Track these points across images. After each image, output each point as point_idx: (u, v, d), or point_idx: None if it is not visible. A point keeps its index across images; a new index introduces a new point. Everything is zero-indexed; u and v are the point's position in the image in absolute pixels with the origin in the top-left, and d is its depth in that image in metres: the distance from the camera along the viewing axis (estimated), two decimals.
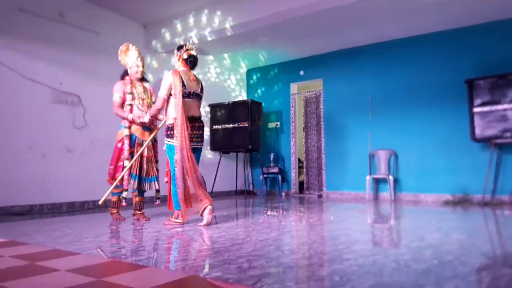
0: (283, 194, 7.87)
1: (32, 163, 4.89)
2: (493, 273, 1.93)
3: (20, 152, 4.80)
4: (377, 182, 6.83)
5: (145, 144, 3.94)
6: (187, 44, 3.79)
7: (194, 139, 3.64)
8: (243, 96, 8.65)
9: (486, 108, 5.48)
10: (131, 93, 3.97)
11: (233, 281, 1.73)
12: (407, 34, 6.58)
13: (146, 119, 3.80)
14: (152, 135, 3.97)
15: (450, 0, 5.25)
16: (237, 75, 8.57)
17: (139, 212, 4.09)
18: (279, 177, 7.83)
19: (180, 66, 3.75)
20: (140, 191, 4.06)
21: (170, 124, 3.60)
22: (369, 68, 7.06)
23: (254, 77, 8.64)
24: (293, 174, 7.99)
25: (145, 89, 4.11)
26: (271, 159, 8.02)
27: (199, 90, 3.77)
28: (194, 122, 3.65)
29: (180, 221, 3.57)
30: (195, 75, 3.79)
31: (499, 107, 5.39)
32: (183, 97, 3.55)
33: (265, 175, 7.89)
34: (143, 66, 4.09)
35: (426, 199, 6.32)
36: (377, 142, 6.86)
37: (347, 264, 2.02)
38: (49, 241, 2.83)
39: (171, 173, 3.61)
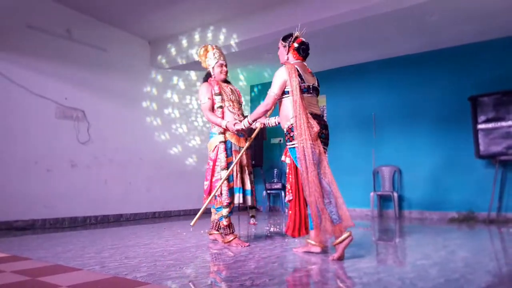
0: (286, 210, 7.80)
1: (36, 177, 4.90)
2: None
3: (25, 166, 4.82)
4: (382, 199, 6.78)
5: (242, 150, 3.45)
6: (294, 32, 3.22)
7: (322, 139, 3.08)
8: (247, 111, 8.68)
9: (490, 125, 5.46)
10: (220, 94, 3.51)
11: None
12: (410, 51, 6.62)
13: (245, 124, 3.27)
14: (248, 143, 3.51)
15: (453, 17, 5.30)
16: (242, 91, 8.60)
17: (216, 233, 3.57)
18: (282, 193, 7.79)
19: (291, 59, 3.19)
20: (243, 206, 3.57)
21: (291, 125, 3.03)
22: (372, 85, 7.08)
23: (258, 92, 8.68)
24: None
25: (232, 90, 3.66)
26: (274, 174, 8.00)
27: (316, 84, 3.24)
28: (318, 119, 3.06)
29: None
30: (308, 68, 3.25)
31: (503, 123, 5.37)
32: (303, 92, 2.98)
33: (268, 191, 7.86)
34: (226, 66, 3.67)
35: (431, 216, 6.26)
36: (381, 158, 6.84)
37: (350, 282, 1.99)
38: (51, 256, 2.81)
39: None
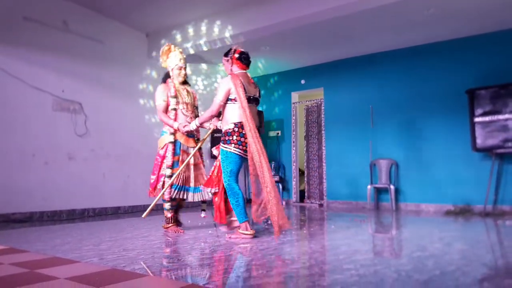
0: (284, 203, 7.84)
1: (34, 170, 4.89)
2: (495, 283, 1.92)
3: (22, 159, 4.81)
4: (378, 191, 6.81)
5: (192, 152, 3.68)
6: (233, 46, 3.50)
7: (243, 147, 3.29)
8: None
9: (487, 118, 5.48)
10: (176, 96, 3.71)
11: None
12: (408, 44, 6.62)
13: (193, 126, 3.52)
14: (199, 144, 3.74)
15: (449, 11, 5.29)
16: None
17: (170, 225, 3.77)
18: (280, 185, 7.82)
19: (236, 70, 3.41)
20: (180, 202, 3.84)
21: (229, 129, 3.28)
22: (370, 78, 7.08)
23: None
24: (294, 183, 7.98)
25: (188, 92, 3.85)
26: (272, 167, 8.02)
27: (258, 94, 3.48)
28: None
29: (250, 233, 3.23)
30: (251, 78, 3.49)
31: (500, 117, 5.39)
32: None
33: None
34: (185, 69, 3.84)
35: (427, 209, 6.30)
36: (378, 151, 6.86)
37: (347, 274, 2.01)
38: (49, 248, 2.82)
39: (225, 183, 3.30)
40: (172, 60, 3.83)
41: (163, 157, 3.69)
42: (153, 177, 3.69)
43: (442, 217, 5.25)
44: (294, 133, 8.08)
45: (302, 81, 7.94)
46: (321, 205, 7.39)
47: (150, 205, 3.62)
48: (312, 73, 7.81)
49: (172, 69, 3.83)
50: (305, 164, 8.05)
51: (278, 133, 8.21)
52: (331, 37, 6.34)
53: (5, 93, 4.74)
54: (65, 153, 5.27)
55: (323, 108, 7.68)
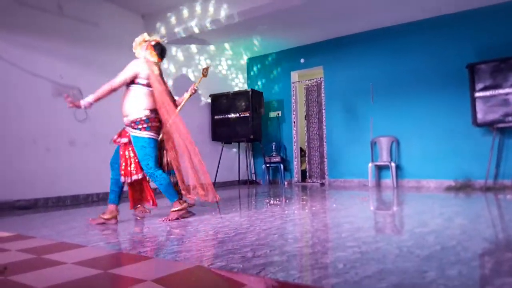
0: (286, 183, 7.89)
1: (35, 157, 4.90)
2: (496, 258, 1.95)
3: (23, 146, 4.82)
4: (379, 169, 6.84)
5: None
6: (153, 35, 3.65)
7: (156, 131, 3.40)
8: (243, 85, 8.63)
9: (488, 93, 5.45)
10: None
11: (238, 271, 1.75)
12: (407, 19, 6.53)
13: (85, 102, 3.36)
14: (179, 108, 3.79)
15: None
16: (237, 65, 8.53)
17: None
18: (281, 166, 7.85)
19: (149, 56, 3.47)
20: None
21: (144, 116, 3.29)
22: (370, 55, 7.02)
23: (254, 67, 8.60)
24: (295, 163, 8.01)
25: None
26: (273, 148, 8.03)
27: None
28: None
29: (183, 206, 3.39)
30: (161, 71, 3.55)
31: (501, 91, 5.37)
32: (148, 86, 3.33)
33: (267, 165, 7.91)
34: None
35: (428, 185, 6.34)
36: (379, 129, 6.85)
37: (350, 251, 2.04)
38: (55, 234, 2.86)
39: (150, 171, 3.32)
40: (142, 51, 3.79)
41: None
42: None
43: (443, 193, 5.28)
44: (294, 113, 8.06)
45: (302, 60, 7.87)
46: (322, 184, 7.44)
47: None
48: (311, 51, 7.73)
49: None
50: (306, 143, 8.06)
51: (278, 114, 8.19)
52: (329, 15, 6.25)
53: (3, 79, 4.71)
54: (66, 139, 5.27)
55: (323, 87, 7.64)
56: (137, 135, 3.30)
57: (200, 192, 3.41)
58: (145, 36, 3.70)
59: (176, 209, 3.38)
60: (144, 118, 3.30)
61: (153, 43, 3.52)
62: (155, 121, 3.35)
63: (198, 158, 3.43)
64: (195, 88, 3.86)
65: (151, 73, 3.33)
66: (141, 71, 3.34)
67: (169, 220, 3.33)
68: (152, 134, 3.33)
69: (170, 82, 6.93)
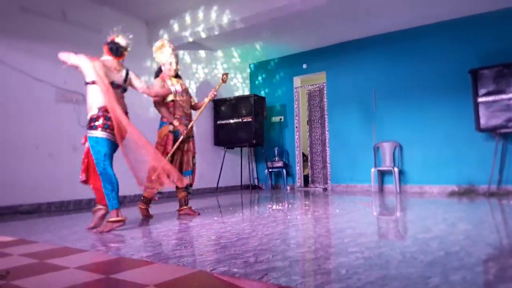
0: (288, 187, 7.88)
1: (39, 162, 4.92)
2: (500, 263, 1.93)
3: (26, 151, 4.83)
4: (382, 174, 6.82)
5: (179, 140, 3.89)
6: (113, 31, 3.53)
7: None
8: (246, 90, 8.64)
9: (490, 98, 5.44)
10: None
11: (240, 276, 1.74)
12: (410, 25, 6.54)
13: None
14: (190, 124, 4.00)
15: None
16: (240, 70, 8.55)
17: (186, 207, 4.05)
18: (284, 171, 7.84)
19: (105, 55, 3.42)
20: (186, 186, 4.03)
21: (93, 114, 3.21)
22: (372, 60, 7.02)
23: (257, 72, 8.62)
24: (297, 168, 8.00)
25: (181, 85, 4.11)
26: (276, 153, 8.03)
27: (122, 81, 3.43)
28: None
29: (121, 219, 3.14)
30: (121, 65, 3.48)
31: (504, 96, 5.35)
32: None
33: (269, 169, 7.90)
34: (176, 63, 4.08)
35: (431, 190, 6.31)
36: (382, 134, 6.84)
37: (353, 257, 2.03)
38: (58, 239, 2.86)
39: (100, 169, 3.20)
40: (164, 55, 4.06)
41: (165, 146, 3.89)
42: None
43: (446, 198, 5.26)
44: (296, 118, 8.07)
45: (304, 66, 7.89)
46: (325, 189, 7.42)
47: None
48: (314, 57, 7.75)
49: (163, 63, 4.07)
50: (308, 148, 8.06)
51: (280, 119, 8.20)
52: (332, 20, 6.27)
53: (7, 86, 4.73)
54: (69, 144, 5.28)
55: (325, 92, 7.64)
56: (89, 134, 3.21)
57: (164, 179, 3.40)
58: (164, 41, 4.02)
59: (112, 219, 3.12)
60: (94, 116, 3.20)
61: (108, 40, 3.44)
62: (108, 120, 3.20)
63: (152, 148, 3.41)
64: (215, 93, 4.13)
65: (96, 73, 3.17)
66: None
67: (101, 232, 3.08)
68: (103, 133, 3.17)
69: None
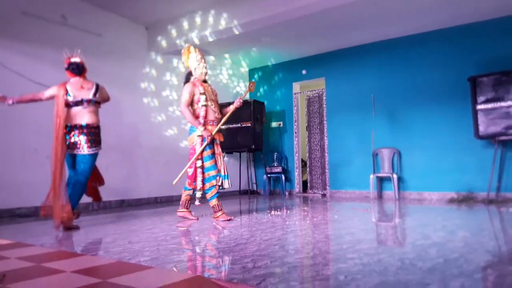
0: (287, 193, 7.87)
1: (36, 165, 4.90)
2: (499, 270, 1.92)
3: (25, 154, 4.82)
4: (381, 180, 6.82)
5: (202, 145, 3.92)
6: (65, 54, 3.86)
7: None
8: (245, 97, 8.65)
9: (489, 105, 5.45)
10: (205, 93, 3.98)
11: (238, 281, 1.73)
12: (409, 32, 6.57)
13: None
14: (215, 130, 4.01)
15: None
16: (239, 75, 8.57)
17: (220, 213, 4.02)
18: (283, 176, 7.83)
19: (68, 78, 3.82)
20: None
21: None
22: (372, 67, 7.05)
23: (256, 77, 8.63)
24: (296, 174, 7.99)
25: (212, 90, 4.15)
26: (274, 158, 8.03)
27: (91, 96, 3.79)
28: (81, 129, 3.73)
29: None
30: (89, 81, 3.86)
31: (502, 104, 5.36)
32: (70, 106, 3.69)
33: (268, 175, 7.90)
34: (206, 68, 4.11)
35: (430, 197, 6.31)
36: (381, 140, 6.85)
37: (351, 263, 2.02)
38: (55, 242, 2.84)
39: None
40: (193, 60, 4.08)
41: (195, 151, 3.96)
42: (190, 170, 3.96)
43: (445, 205, 5.25)
44: (296, 123, 8.07)
45: (303, 71, 7.91)
46: (324, 195, 7.41)
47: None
48: (313, 63, 7.77)
49: (194, 68, 4.07)
50: (307, 154, 8.05)
51: (280, 124, 8.21)
52: (332, 27, 6.29)
53: (6, 88, 4.72)
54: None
55: (324, 98, 7.66)
56: None
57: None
58: (190, 47, 4.12)
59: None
60: None
61: (66, 65, 3.82)
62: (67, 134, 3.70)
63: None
64: (241, 101, 4.15)
65: (56, 94, 3.68)
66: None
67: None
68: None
69: (173, 93, 6.97)
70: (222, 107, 4.32)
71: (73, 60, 3.82)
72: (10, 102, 3.70)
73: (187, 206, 4.09)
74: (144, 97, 6.47)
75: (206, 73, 4.11)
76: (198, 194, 3.93)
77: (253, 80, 4.29)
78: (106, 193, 5.70)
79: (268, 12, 5.38)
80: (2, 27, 4.74)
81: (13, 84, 4.78)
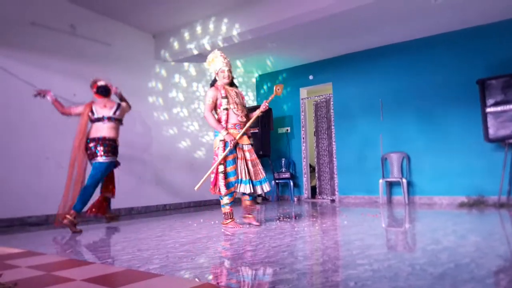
0: (295, 199, 7.84)
1: (48, 173, 4.96)
2: (511, 275, 1.90)
3: (36, 162, 4.88)
4: (390, 185, 6.77)
5: (224, 151, 3.84)
6: (92, 79, 4.44)
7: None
8: (253, 101, 8.68)
9: (499, 108, 5.40)
10: (226, 97, 3.92)
11: None
12: (416, 35, 6.55)
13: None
14: (243, 130, 3.98)
15: (458, 1, 5.22)
16: (247, 81, 8.60)
17: (250, 216, 4.04)
18: (291, 182, 7.81)
19: (95, 98, 4.40)
20: (251, 195, 4.04)
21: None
22: (379, 71, 7.03)
23: (264, 83, 8.66)
24: (304, 179, 7.97)
25: (237, 93, 4.07)
26: (282, 164, 8.02)
27: (112, 114, 4.32)
28: (103, 141, 4.27)
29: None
30: (112, 101, 4.42)
31: None
32: (93, 121, 4.30)
33: (276, 181, 7.88)
34: (230, 71, 4.04)
35: (440, 201, 6.25)
36: (389, 145, 6.81)
37: (361, 269, 2.00)
38: (65, 251, 2.86)
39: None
40: (216, 64, 4.04)
41: (218, 155, 3.90)
42: (212, 175, 3.92)
43: (456, 209, 5.20)
44: (303, 129, 8.06)
45: (310, 77, 7.91)
46: (333, 201, 7.38)
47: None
48: (320, 68, 7.77)
49: (217, 72, 4.04)
50: (315, 160, 8.03)
51: (287, 130, 8.20)
52: (338, 32, 6.30)
53: (18, 98, 4.80)
54: None
55: (332, 103, 7.65)
56: None
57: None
58: (215, 52, 4.11)
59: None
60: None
61: (94, 89, 4.41)
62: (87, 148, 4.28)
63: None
64: (267, 104, 4.07)
65: (82, 112, 4.32)
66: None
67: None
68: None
69: (180, 95, 7.01)
70: (249, 111, 4.25)
71: (99, 84, 4.36)
72: (49, 98, 4.26)
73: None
74: (152, 109, 6.52)
75: (229, 76, 4.02)
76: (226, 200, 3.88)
77: (280, 83, 4.19)
78: (116, 201, 5.75)
79: (274, 18, 5.40)
80: (11, 38, 4.82)
81: (24, 93, 4.84)
